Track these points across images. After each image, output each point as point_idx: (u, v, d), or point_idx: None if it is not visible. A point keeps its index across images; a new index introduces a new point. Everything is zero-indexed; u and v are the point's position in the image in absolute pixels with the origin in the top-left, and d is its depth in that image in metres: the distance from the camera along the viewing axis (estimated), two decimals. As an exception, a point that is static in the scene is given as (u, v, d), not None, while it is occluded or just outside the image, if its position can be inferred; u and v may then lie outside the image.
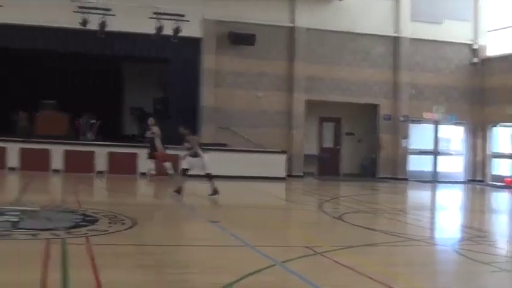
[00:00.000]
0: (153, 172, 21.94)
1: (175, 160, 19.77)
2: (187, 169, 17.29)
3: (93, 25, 24.14)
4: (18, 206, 14.03)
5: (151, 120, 21.93)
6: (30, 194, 17.46)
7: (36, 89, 25.86)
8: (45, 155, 23.27)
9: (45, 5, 24.17)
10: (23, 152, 23.15)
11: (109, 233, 11.22)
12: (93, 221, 12.44)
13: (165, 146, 21.59)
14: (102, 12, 24.26)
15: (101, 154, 23.72)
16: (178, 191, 16.98)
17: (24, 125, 25.29)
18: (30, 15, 23.97)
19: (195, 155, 17.16)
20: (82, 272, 8.17)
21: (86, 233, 10.96)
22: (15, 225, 11.48)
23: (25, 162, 23.00)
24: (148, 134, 21.90)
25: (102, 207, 14.35)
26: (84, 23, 24.00)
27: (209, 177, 17.30)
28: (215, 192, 17.15)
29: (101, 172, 23.54)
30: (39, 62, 25.83)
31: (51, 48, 24.97)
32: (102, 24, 24.21)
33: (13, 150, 23.15)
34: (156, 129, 21.44)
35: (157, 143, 21.43)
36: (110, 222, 12.33)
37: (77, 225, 11.84)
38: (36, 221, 12.11)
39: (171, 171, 21.06)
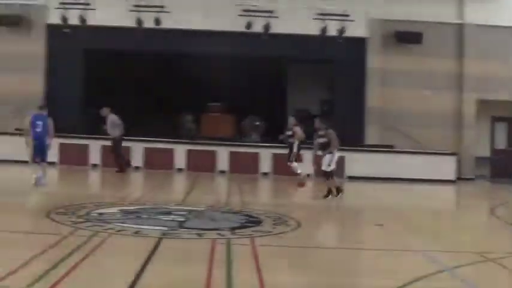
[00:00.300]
0: (299, 171, 21.46)
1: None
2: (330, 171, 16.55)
3: (257, 27, 24.32)
4: (185, 205, 14.27)
5: (292, 120, 21.20)
6: (196, 194, 17.75)
7: (202, 91, 26.37)
8: (211, 156, 23.68)
9: (210, 10, 24.62)
10: (190, 153, 23.69)
11: (273, 234, 11.12)
12: (258, 222, 12.38)
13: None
14: (266, 14, 24.38)
15: (266, 155, 23.80)
16: (338, 191, 16.51)
17: (191, 127, 25.88)
18: (195, 20, 24.47)
19: (330, 151, 16.27)
20: (246, 273, 8.13)
21: (250, 234, 10.91)
22: (181, 224, 11.62)
23: (191, 163, 23.52)
24: (284, 136, 21.24)
25: (266, 208, 14.30)
26: (249, 26, 24.24)
27: (327, 175, 16.43)
28: (329, 193, 16.33)
29: (265, 173, 23.61)
30: (204, 65, 26.30)
31: (216, 51, 25.37)
32: (266, 27, 24.34)
33: (180, 152, 23.74)
34: (297, 130, 20.74)
35: (295, 145, 20.58)
36: (274, 224, 12.22)
37: (241, 226, 11.85)
38: (201, 221, 12.24)
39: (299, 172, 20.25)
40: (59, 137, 22.60)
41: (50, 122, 17.41)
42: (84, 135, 23.91)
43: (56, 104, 23.99)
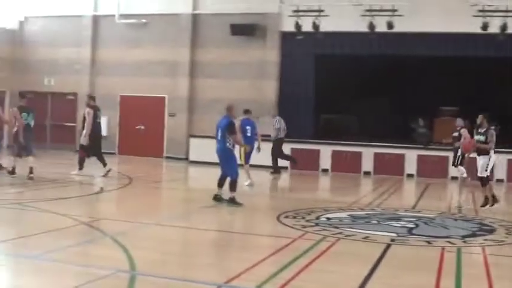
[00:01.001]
0: (465, 176, 20.08)
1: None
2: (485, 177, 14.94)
3: (492, 28, 23.34)
4: (415, 212, 14.05)
5: (460, 122, 19.75)
6: (427, 200, 17.39)
7: (436, 95, 25.78)
8: (443, 162, 23.02)
9: (445, 12, 24.00)
10: (420, 158, 23.24)
11: (507, 244, 10.64)
12: (491, 230, 11.93)
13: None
14: (503, 14, 23.34)
15: (500, 161, 22.68)
16: (494, 200, 15.00)
17: (423, 132, 25.39)
18: (430, 23, 23.98)
19: (486, 152, 14.80)
20: (476, 282, 7.96)
21: (482, 243, 10.55)
22: (411, 231, 11.46)
23: (422, 169, 23.05)
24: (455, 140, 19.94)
25: (500, 216, 13.68)
26: (485, 27, 23.34)
27: (482, 182, 14.89)
28: (487, 202, 14.72)
29: (500, 180, 22.55)
30: (438, 68, 25.71)
31: (450, 53, 24.72)
32: (503, 27, 23.28)
33: (411, 157, 23.38)
34: (464, 132, 19.27)
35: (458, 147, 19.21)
36: (507, 233, 11.69)
37: (473, 234, 11.47)
38: (432, 228, 11.98)
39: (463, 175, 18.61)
40: (290, 142, 23.38)
41: (257, 126, 18.18)
42: (316, 140, 24.34)
43: (288, 109, 24.76)
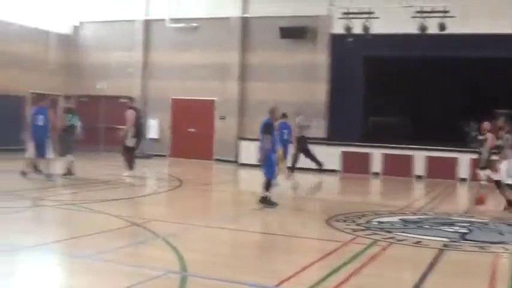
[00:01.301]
0: (484, 183, 19.51)
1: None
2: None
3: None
4: (469, 217, 13.84)
5: (486, 125, 19.15)
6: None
7: (490, 98, 25.35)
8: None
9: (497, 13, 23.61)
10: (474, 163, 22.77)
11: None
12: (546, 236, 11.66)
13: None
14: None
15: None
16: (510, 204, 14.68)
17: (475, 136, 24.97)
18: (482, 24, 23.65)
19: (504, 157, 14.41)
20: None
21: (537, 249, 10.31)
22: (464, 236, 11.29)
23: (475, 173, 22.67)
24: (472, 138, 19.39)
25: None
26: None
27: (510, 187, 14.40)
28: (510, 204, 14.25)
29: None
30: (490, 71, 25.30)
31: (503, 55, 24.23)
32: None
33: (463, 161, 23.07)
34: (489, 136, 18.68)
35: (484, 151, 18.55)
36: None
37: (528, 240, 11.22)
38: (485, 234, 11.77)
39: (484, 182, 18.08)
40: (340, 145, 23.26)
41: (292, 130, 18.75)
42: (366, 144, 24.17)
43: (338, 112, 24.64)
